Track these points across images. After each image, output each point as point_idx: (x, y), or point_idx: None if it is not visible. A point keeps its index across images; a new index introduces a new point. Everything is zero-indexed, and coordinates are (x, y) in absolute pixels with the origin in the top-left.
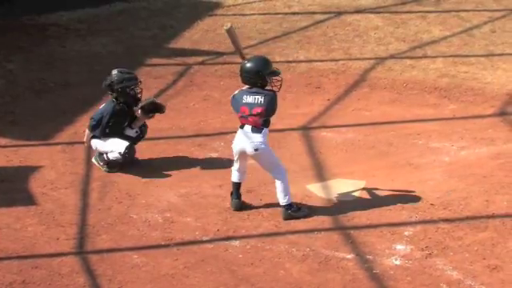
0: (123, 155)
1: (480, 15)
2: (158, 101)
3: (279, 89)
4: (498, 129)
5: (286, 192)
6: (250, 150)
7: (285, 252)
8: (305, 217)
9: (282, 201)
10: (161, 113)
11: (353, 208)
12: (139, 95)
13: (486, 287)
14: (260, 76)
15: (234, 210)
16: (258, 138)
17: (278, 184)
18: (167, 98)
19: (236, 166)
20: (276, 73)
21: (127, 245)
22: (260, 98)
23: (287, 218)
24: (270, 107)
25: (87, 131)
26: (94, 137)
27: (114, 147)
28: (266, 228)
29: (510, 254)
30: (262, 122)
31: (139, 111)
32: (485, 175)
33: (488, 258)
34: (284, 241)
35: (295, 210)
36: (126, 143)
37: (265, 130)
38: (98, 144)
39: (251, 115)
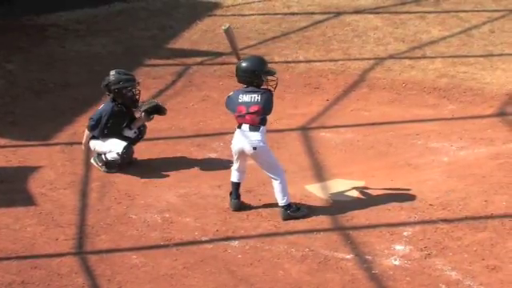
0: (121, 155)
1: (479, 15)
2: (160, 103)
3: (275, 88)
4: (497, 129)
5: (285, 192)
6: (248, 149)
7: (284, 252)
8: (304, 217)
9: (281, 201)
10: (161, 115)
11: (352, 208)
12: (137, 97)
13: (485, 287)
14: (256, 75)
15: (233, 211)
16: (256, 136)
17: (276, 184)
18: (166, 98)
19: (235, 165)
20: (271, 72)
21: (126, 245)
22: (257, 97)
23: (286, 218)
24: (267, 105)
25: (86, 132)
26: (92, 137)
27: (113, 147)
28: (265, 228)
29: (509, 254)
30: (259, 120)
31: (142, 114)
32: (484, 175)
33: (487, 259)
34: (283, 241)
35: (294, 210)
36: (123, 143)
37: (262, 128)
38: (96, 144)
39: (248, 113)
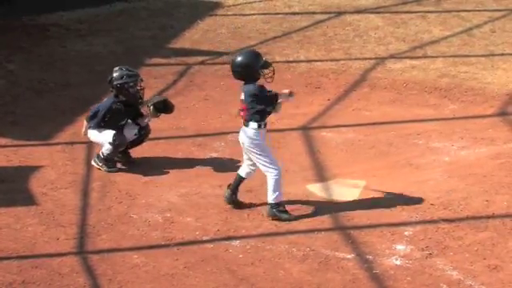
0: (113, 143)
1: (480, 15)
2: (169, 99)
3: (272, 80)
4: (498, 129)
5: (275, 190)
6: (246, 144)
7: (285, 252)
8: (286, 220)
9: (269, 198)
10: (169, 113)
11: (353, 208)
12: (140, 93)
13: (486, 287)
14: (251, 69)
15: (226, 201)
16: (248, 132)
17: (267, 180)
18: (167, 97)
19: (245, 160)
20: (267, 64)
21: (127, 245)
22: (242, 94)
23: (271, 215)
24: (247, 99)
25: (85, 122)
26: (91, 127)
27: (104, 138)
28: (266, 228)
29: (510, 254)
30: (247, 116)
31: (150, 108)
32: (485, 175)
33: (488, 258)
34: (284, 241)
35: (280, 211)
36: (113, 132)
37: (254, 124)
38: (92, 134)
39: (241, 110)
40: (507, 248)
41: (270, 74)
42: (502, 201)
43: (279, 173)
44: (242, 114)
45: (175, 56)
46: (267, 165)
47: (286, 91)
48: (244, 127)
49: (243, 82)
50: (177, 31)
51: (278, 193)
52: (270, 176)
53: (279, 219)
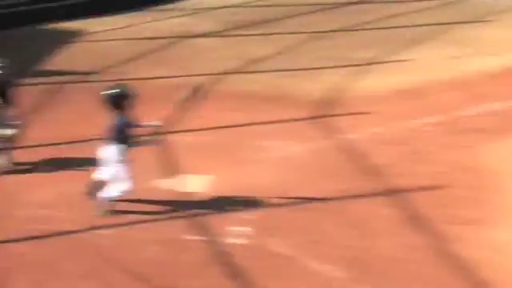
0: None
1: (296, 37)
2: None
3: (131, 107)
4: (314, 129)
5: (113, 195)
6: (111, 159)
7: (145, 238)
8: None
9: (102, 193)
10: None
11: (201, 199)
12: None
13: (313, 258)
14: (120, 100)
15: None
16: (114, 151)
17: (114, 185)
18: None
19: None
20: (132, 95)
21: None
22: (112, 122)
23: (100, 212)
24: (120, 130)
25: None
26: None
27: None
28: (131, 219)
29: (328, 229)
30: (116, 140)
31: None
32: (309, 166)
33: (313, 235)
34: (147, 229)
35: (105, 207)
36: None
37: (119, 146)
38: None
39: (108, 132)
40: (325, 226)
41: (133, 103)
42: (327, 186)
43: (128, 188)
44: (108, 135)
45: (44, 77)
46: (121, 177)
47: (154, 123)
48: (111, 145)
49: (113, 110)
50: (43, 56)
51: (111, 195)
52: (118, 187)
53: (104, 213)
